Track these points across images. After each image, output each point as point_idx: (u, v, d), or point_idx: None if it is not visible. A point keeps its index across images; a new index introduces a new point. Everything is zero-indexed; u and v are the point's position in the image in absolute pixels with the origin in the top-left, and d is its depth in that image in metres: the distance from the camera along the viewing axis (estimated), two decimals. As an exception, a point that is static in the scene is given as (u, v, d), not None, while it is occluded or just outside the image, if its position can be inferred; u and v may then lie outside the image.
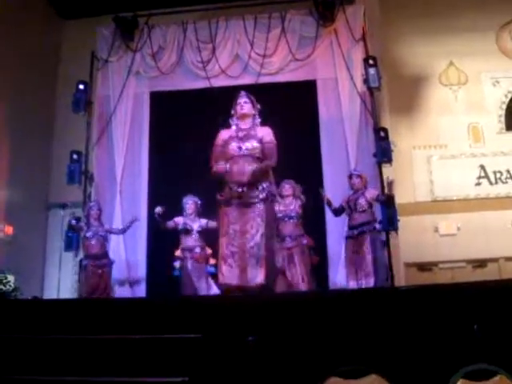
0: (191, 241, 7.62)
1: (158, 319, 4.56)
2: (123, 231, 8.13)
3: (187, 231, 7.60)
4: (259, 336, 4.08)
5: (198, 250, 7.56)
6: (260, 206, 5.74)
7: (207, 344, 4.18)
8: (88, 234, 7.86)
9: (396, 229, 7.85)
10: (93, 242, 7.83)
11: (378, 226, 7.28)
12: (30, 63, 10.20)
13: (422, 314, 4.22)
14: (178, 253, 7.64)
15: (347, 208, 7.28)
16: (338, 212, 7.43)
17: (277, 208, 6.98)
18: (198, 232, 7.63)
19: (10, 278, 8.26)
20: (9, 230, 9.25)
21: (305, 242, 7.42)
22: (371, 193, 7.33)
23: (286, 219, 7.29)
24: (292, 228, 7.34)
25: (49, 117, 10.84)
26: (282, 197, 7.27)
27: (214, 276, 7.45)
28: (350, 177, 7.46)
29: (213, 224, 7.31)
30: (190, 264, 7.53)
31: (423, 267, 9.49)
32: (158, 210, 7.50)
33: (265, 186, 5.79)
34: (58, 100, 10.85)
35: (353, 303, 4.51)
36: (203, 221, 7.67)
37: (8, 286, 7.95)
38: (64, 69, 11.01)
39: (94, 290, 7.61)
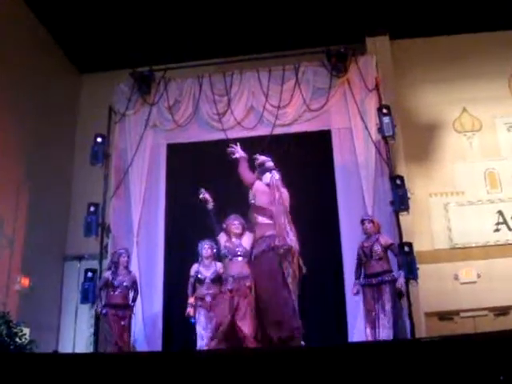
0: (203, 289, 7.51)
1: (176, 373, 4.47)
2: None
3: (200, 280, 7.52)
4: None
5: (208, 298, 7.41)
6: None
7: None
8: (115, 283, 7.64)
9: (416, 277, 7.74)
10: (117, 292, 7.62)
11: (395, 274, 7.13)
12: (49, 116, 10.45)
13: (446, 366, 4.10)
14: (191, 300, 7.51)
15: (363, 255, 7.15)
16: (359, 265, 7.28)
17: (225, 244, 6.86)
18: (212, 280, 7.53)
19: (26, 330, 8.22)
20: (25, 281, 9.27)
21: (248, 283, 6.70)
22: (385, 239, 7.23)
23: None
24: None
25: (67, 169, 11.02)
26: (228, 234, 6.92)
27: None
28: (362, 222, 7.38)
29: (222, 269, 7.28)
30: (197, 313, 7.43)
31: (444, 316, 9.34)
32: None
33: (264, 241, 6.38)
34: (76, 152, 11.06)
35: (373, 356, 4.41)
36: (219, 265, 7.54)
37: (24, 339, 7.90)
38: (82, 122, 11.28)
39: (117, 339, 7.37)
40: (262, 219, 6.51)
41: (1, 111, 9.08)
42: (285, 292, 6.18)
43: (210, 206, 7.19)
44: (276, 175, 6.76)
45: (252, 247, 6.55)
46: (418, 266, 7.81)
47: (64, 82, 11.29)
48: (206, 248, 7.57)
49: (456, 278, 9.40)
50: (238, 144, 6.95)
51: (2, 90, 9.15)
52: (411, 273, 7.69)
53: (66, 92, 11.30)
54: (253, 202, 6.54)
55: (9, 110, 9.31)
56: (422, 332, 8.06)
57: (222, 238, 6.96)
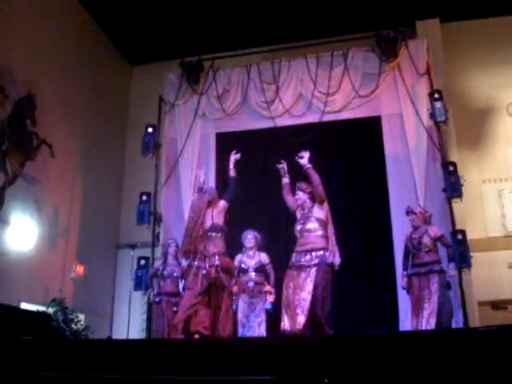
0: (247, 278, 7.41)
1: (229, 360, 4.52)
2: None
3: (243, 270, 7.44)
4: (334, 379, 3.99)
5: (251, 284, 7.34)
6: (312, 270, 6.30)
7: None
8: (165, 273, 7.74)
9: (469, 266, 7.59)
10: (168, 281, 7.71)
11: (444, 266, 6.92)
12: (101, 108, 10.69)
13: (504, 357, 4.02)
14: (234, 289, 7.46)
15: (411, 247, 6.93)
16: (407, 256, 7.15)
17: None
18: (255, 269, 7.46)
19: (81, 317, 8.50)
20: (80, 269, 9.53)
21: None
22: (434, 231, 6.91)
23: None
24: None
25: (119, 159, 11.26)
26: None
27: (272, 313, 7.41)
28: (407, 214, 7.09)
29: (266, 260, 7.45)
30: (241, 300, 7.33)
31: (497, 305, 9.14)
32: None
33: (318, 254, 6.36)
34: (128, 143, 11.27)
35: (427, 345, 4.35)
36: (263, 256, 7.52)
37: (79, 325, 8.16)
38: (133, 113, 11.49)
39: (171, 326, 7.39)
40: (318, 231, 6.50)
41: (56, 105, 9.31)
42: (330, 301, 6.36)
43: (232, 173, 7.19)
44: None
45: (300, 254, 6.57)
46: (471, 254, 7.67)
47: (115, 74, 11.51)
48: (249, 238, 7.52)
49: (510, 266, 9.18)
50: (284, 163, 6.89)
51: (56, 85, 9.39)
52: (464, 261, 7.56)
53: (117, 84, 11.54)
54: (319, 216, 6.54)
55: (63, 104, 9.55)
56: (475, 321, 7.90)
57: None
